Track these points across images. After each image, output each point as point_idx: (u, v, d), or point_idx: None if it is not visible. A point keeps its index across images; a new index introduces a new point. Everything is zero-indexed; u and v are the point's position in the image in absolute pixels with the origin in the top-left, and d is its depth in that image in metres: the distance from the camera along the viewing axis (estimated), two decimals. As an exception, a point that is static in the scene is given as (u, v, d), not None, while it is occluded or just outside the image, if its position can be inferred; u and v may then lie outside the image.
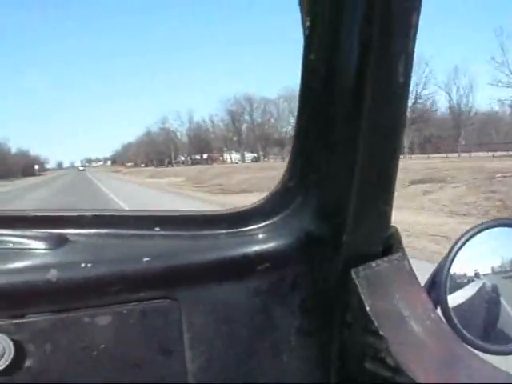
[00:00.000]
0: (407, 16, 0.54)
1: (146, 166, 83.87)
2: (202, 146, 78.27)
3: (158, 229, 0.65)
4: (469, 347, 0.65)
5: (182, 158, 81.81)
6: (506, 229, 0.75)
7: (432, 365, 0.57)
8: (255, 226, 0.65)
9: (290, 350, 0.66)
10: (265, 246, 0.64)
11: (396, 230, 0.68)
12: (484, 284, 0.74)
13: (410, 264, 0.66)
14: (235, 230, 0.65)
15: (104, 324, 0.59)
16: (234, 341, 0.64)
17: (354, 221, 0.62)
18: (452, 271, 0.73)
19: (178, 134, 79.72)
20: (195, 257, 0.63)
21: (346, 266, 0.62)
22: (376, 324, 0.58)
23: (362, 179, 0.60)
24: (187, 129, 78.25)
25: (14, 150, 75.22)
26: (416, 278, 0.65)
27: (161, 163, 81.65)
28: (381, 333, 0.58)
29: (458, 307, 0.72)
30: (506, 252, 0.75)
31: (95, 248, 0.62)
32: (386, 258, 0.65)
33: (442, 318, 0.68)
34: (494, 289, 0.74)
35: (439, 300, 0.70)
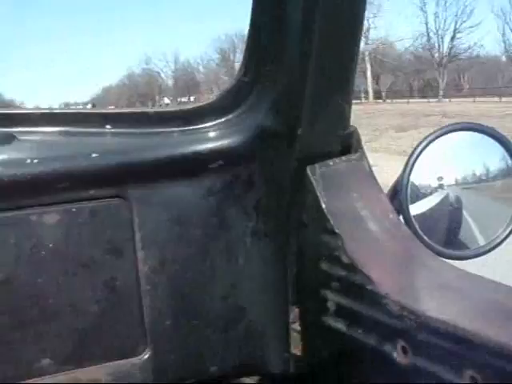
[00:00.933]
0: None
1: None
2: (189, 88, 77.20)
3: (108, 126, 0.64)
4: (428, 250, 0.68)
5: (167, 101, 79.42)
6: (469, 132, 0.76)
7: (388, 263, 0.59)
8: (209, 124, 0.65)
9: (245, 252, 0.67)
10: (218, 144, 0.64)
11: (355, 129, 0.68)
12: (448, 194, 0.76)
13: (369, 165, 0.67)
14: (188, 128, 0.65)
15: (52, 222, 0.59)
16: (187, 242, 0.65)
17: (310, 115, 0.62)
18: (417, 181, 0.75)
19: (163, 75, 78.67)
20: (147, 155, 0.64)
21: (302, 163, 0.63)
22: (332, 223, 0.60)
23: (319, 73, 0.60)
24: (173, 70, 77.17)
25: None
26: (375, 179, 0.67)
27: (144, 106, 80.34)
28: (336, 231, 0.59)
29: (421, 215, 0.75)
30: (470, 157, 0.77)
31: (43, 146, 0.62)
32: (344, 158, 0.65)
33: (402, 221, 0.70)
34: (457, 199, 0.77)
35: (401, 206, 0.72)
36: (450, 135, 0.75)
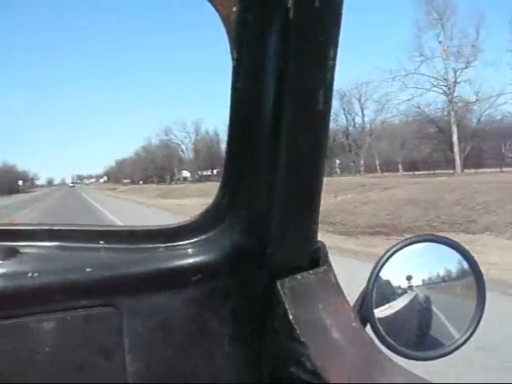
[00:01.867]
0: (324, 50, 0.66)
1: (145, 183, 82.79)
2: (212, 160, 75.57)
3: (102, 242, 0.78)
4: (393, 354, 0.77)
5: (187, 174, 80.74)
6: (430, 244, 0.88)
7: (346, 368, 0.69)
8: (190, 241, 0.78)
9: (223, 355, 0.78)
10: (198, 259, 0.76)
11: (322, 244, 0.81)
12: (416, 295, 0.86)
13: (335, 277, 0.79)
14: (172, 244, 0.78)
15: (49, 329, 0.71)
16: (170, 345, 0.77)
17: (279, 236, 0.75)
18: (385, 284, 0.84)
19: (184, 147, 77.98)
20: (135, 268, 0.76)
21: (272, 277, 0.75)
22: (298, 331, 0.70)
23: (285, 198, 0.73)
24: (194, 141, 76.55)
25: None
26: (340, 290, 0.78)
27: (162, 180, 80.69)
28: (302, 339, 0.69)
29: (391, 317, 0.84)
30: (433, 265, 0.87)
31: (43, 259, 0.75)
32: (311, 271, 0.77)
33: (369, 328, 0.80)
34: (427, 299, 0.86)
35: (367, 312, 0.82)
36: (413, 245, 0.86)
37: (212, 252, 0.77)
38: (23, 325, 0.69)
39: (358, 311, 0.83)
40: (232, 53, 0.69)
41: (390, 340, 0.82)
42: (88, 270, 0.73)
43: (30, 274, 0.70)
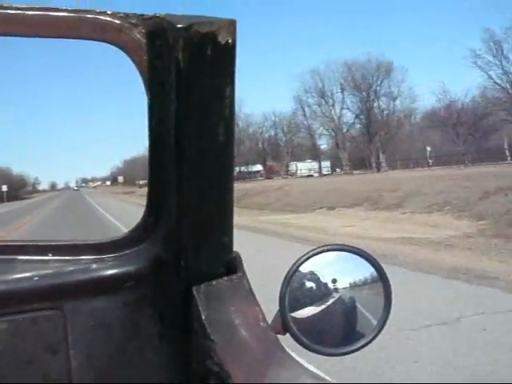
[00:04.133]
0: (220, 89, 0.87)
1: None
2: (253, 154, 74.01)
3: (50, 254, 1.02)
4: (297, 349, 1.03)
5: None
6: (341, 253, 1.12)
7: (247, 361, 0.89)
8: (123, 252, 1.02)
9: (153, 351, 1.01)
10: (129, 268, 1.00)
11: (238, 254, 1.04)
12: (340, 296, 1.08)
13: (248, 282, 1.00)
14: (108, 256, 1.02)
15: (2, 329, 0.94)
16: (108, 343, 0.99)
17: (193, 249, 0.97)
18: (313, 285, 1.08)
19: None
20: (77, 276, 0.99)
21: (189, 284, 0.97)
22: (209, 330, 0.91)
23: (195, 218, 0.96)
24: None
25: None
26: (252, 294, 0.99)
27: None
28: (212, 337, 0.90)
29: (314, 316, 1.06)
30: (344, 271, 1.10)
31: None
32: (226, 278, 0.99)
33: (281, 326, 1.04)
34: (351, 299, 1.08)
35: (282, 312, 1.05)
36: (327, 253, 1.10)
37: (140, 262, 1.00)
38: None
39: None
40: (146, 95, 0.92)
41: (301, 337, 1.04)
42: (36, 278, 0.96)
43: None
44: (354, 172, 59.70)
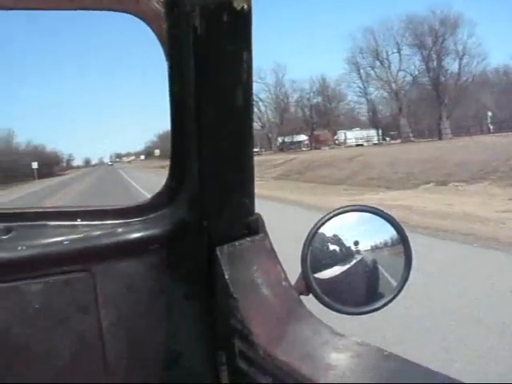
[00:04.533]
0: (237, 55, 0.91)
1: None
2: (299, 123, 68.93)
3: (79, 220, 1.09)
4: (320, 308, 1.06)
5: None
6: (360, 213, 1.15)
7: (269, 319, 0.94)
8: (148, 216, 1.08)
9: (180, 310, 1.08)
10: (154, 231, 1.06)
11: (259, 216, 1.09)
12: (362, 257, 1.11)
13: (270, 243, 1.07)
14: (134, 220, 1.09)
15: (36, 291, 1.01)
16: (135, 303, 1.06)
17: (216, 211, 1.03)
18: (335, 247, 1.12)
19: (261, 104, 71.29)
20: (105, 240, 1.06)
21: (212, 245, 1.03)
22: (231, 289, 0.96)
23: (217, 181, 1.01)
24: (274, 96, 70.20)
25: (22, 146, 67.97)
26: (274, 254, 1.05)
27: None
28: (234, 296, 0.96)
29: (336, 277, 1.11)
30: (365, 232, 1.14)
31: (31, 236, 1.05)
32: (249, 238, 1.05)
33: (304, 287, 1.07)
34: (372, 261, 1.12)
35: (304, 272, 1.08)
36: (348, 214, 1.14)
37: (164, 226, 1.06)
38: (16, 288, 1.00)
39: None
40: (166, 63, 0.97)
41: (325, 298, 1.08)
42: (66, 242, 1.03)
43: (19, 248, 1.01)
44: (415, 140, 53.85)
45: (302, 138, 75.85)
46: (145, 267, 1.06)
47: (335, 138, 70.07)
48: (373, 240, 1.13)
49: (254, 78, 0.97)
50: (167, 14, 0.93)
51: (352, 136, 68.02)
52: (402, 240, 1.13)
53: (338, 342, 0.85)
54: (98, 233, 1.07)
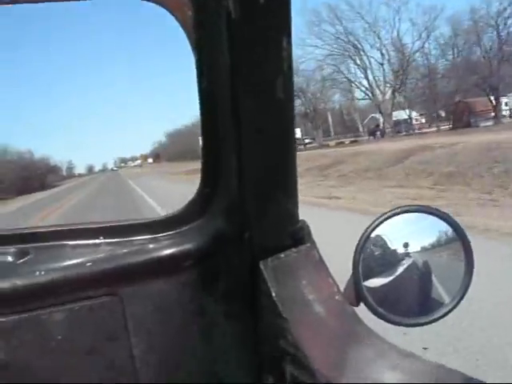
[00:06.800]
0: (276, 41, 0.82)
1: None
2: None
3: (101, 237, 1.00)
4: (377, 323, 0.95)
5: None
6: (418, 214, 1.05)
7: (326, 340, 0.85)
8: (179, 230, 0.98)
9: (219, 332, 0.98)
10: (187, 246, 0.96)
11: (305, 223, 0.99)
12: (414, 261, 1.02)
13: (318, 252, 0.96)
14: (163, 234, 0.99)
15: (59, 320, 0.92)
16: (170, 326, 0.97)
17: (256, 220, 0.93)
18: (380, 252, 1.02)
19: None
20: (132, 258, 0.96)
21: (255, 258, 0.93)
22: (280, 308, 0.87)
23: (256, 185, 0.91)
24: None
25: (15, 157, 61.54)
26: (324, 265, 0.95)
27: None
28: (284, 315, 0.87)
29: (388, 285, 1.01)
30: (423, 233, 1.04)
31: (50, 258, 0.96)
32: (294, 249, 0.95)
33: (353, 297, 0.97)
34: (425, 264, 1.02)
35: (356, 281, 0.99)
36: (401, 215, 1.03)
37: (198, 239, 0.96)
38: (36, 318, 0.90)
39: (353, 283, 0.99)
40: (194, 54, 0.87)
41: (379, 309, 0.98)
42: (89, 264, 0.93)
43: (37, 273, 0.91)
44: None
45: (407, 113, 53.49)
46: (178, 287, 0.96)
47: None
48: (426, 241, 1.03)
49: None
50: None
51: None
52: (460, 237, 1.03)
53: (410, 365, 0.75)
54: (124, 251, 0.97)
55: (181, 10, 0.87)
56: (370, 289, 1.01)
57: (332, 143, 57.51)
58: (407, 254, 1.03)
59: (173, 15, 0.89)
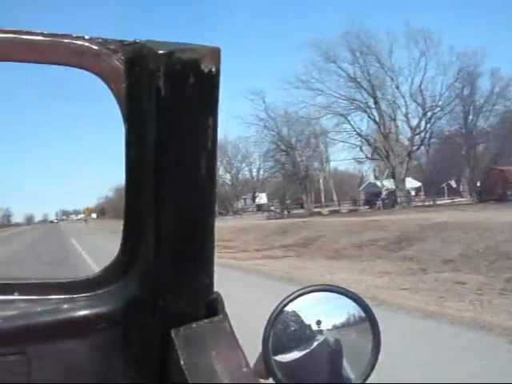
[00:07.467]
0: (202, 120, 0.86)
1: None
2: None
3: (16, 293, 0.99)
4: None
5: (263, 199, 64.18)
6: (326, 293, 1.12)
7: None
8: (95, 292, 0.99)
9: None
10: (102, 309, 0.97)
11: (219, 295, 1.02)
12: (326, 339, 1.08)
13: (230, 325, 0.99)
14: (79, 295, 0.99)
15: None
16: None
17: (171, 289, 0.95)
18: (298, 328, 1.08)
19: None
20: (45, 317, 0.96)
21: (167, 326, 0.95)
22: (187, 376, 0.89)
23: (176, 256, 0.94)
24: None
25: None
26: (234, 337, 0.97)
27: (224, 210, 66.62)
28: (190, 382, 0.88)
29: (299, 360, 1.06)
30: (337, 313, 1.10)
31: None
32: (206, 320, 0.98)
33: (263, 370, 1.04)
34: (336, 342, 1.08)
35: (265, 355, 1.04)
36: (317, 293, 1.11)
37: (113, 303, 0.97)
38: None
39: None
40: (124, 125, 0.91)
41: (285, 382, 1.02)
42: (0, 320, 0.93)
43: None
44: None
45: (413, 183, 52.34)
46: (90, 349, 0.96)
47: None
48: (337, 319, 1.08)
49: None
50: (128, 73, 0.88)
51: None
52: (369, 319, 1.08)
53: None
54: (39, 309, 0.96)
55: (115, 81, 0.91)
56: (280, 363, 1.04)
57: (324, 211, 50.36)
58: (320, 332, 1.06)
59: (107, 85, 0.93)
